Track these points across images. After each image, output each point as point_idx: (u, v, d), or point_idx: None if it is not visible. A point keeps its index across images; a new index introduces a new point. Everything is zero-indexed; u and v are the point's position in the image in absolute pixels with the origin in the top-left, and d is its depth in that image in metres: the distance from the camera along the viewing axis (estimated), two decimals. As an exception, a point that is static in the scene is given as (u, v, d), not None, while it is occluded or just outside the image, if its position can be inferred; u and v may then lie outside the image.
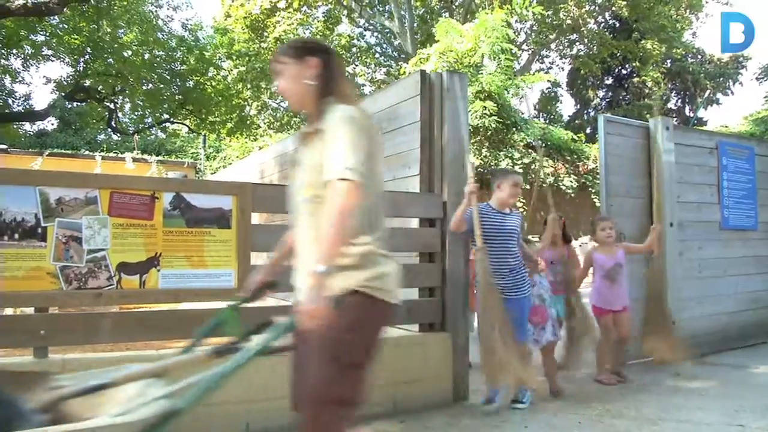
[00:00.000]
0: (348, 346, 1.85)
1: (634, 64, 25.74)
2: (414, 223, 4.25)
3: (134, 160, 14.44)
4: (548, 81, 18.30)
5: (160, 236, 3.31)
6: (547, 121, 24.43)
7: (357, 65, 25.56)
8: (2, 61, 17.52)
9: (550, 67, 27.51)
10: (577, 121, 27.87)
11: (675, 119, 23.95)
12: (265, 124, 24.38)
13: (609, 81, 28.51)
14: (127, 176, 5.79)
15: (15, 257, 3.00)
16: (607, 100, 28.52)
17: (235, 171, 10.67)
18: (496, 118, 14.55)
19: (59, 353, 3.23)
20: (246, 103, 23.69)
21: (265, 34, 22.45)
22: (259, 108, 24.26)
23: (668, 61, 26.53)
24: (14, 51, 17.24)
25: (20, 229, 3.02)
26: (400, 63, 23.44)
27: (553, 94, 28.21)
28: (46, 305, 3.14)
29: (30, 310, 3.19)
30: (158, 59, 19.56)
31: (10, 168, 3.76)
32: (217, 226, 3.46)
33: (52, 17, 15.29)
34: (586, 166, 16.78)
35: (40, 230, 3.06)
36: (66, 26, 17.06)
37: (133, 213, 3.27)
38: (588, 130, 24.44)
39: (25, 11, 12.10)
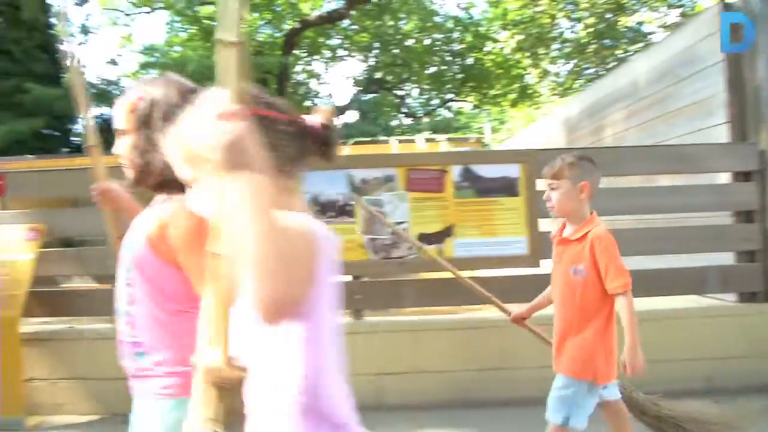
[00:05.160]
0: None
1: None
2: (723, 178, 3.76)
3: (426, 140, 15.42)
4: None
5: (452, 207, 3.52)
6: None
7: (645, 12, 23.30)
8: (307, 67, 20.31)
9: None
10: None
11: None
12: (548, 90, 23.83)
13: None
14: (418, 153, 6.23)
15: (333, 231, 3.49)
16: None
17: (519, 140, 10.69)
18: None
19: (370, 317, 3.66)
20: (526, 72, 23.44)
21: (539, -4, 21.84)
22: (540, 75, 23.78)
23: None
24: (316, 57, 19.88)
25: (335, 207, 3.50)
26: (695, 0, 20.72)
27: None
28: (359, 273, 3.58)
29: (347, 278, 3.67)
30: (438, 43, 20.59)
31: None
32: (505, 194, 3.53)
33: (342, 21, 17.25)
34: None
35: (348, 207, 3.50)
36: (355, 27, 19.02)
37: (427, 187, 3.53)
38: None
39: (321, 20, 14.17)
